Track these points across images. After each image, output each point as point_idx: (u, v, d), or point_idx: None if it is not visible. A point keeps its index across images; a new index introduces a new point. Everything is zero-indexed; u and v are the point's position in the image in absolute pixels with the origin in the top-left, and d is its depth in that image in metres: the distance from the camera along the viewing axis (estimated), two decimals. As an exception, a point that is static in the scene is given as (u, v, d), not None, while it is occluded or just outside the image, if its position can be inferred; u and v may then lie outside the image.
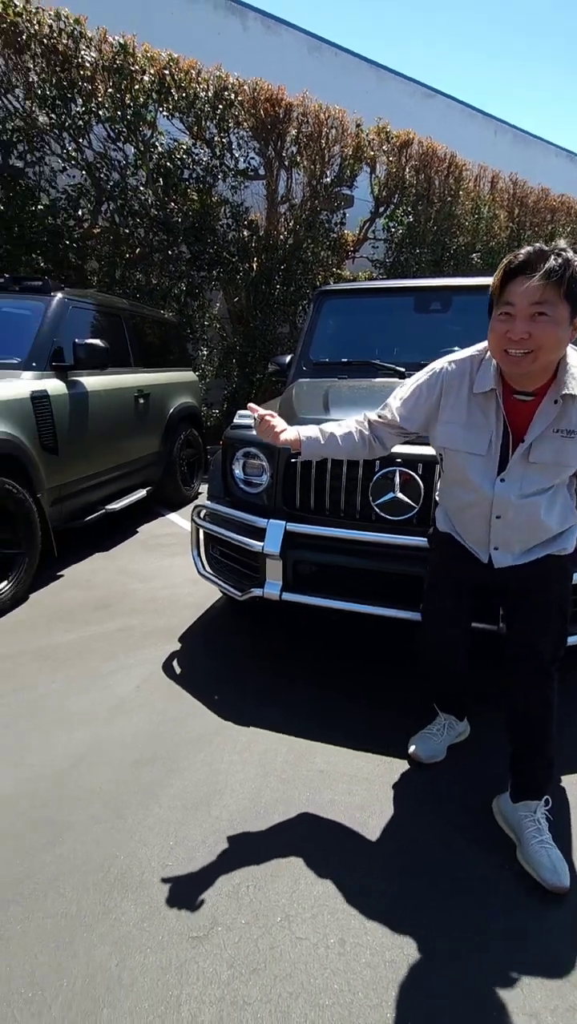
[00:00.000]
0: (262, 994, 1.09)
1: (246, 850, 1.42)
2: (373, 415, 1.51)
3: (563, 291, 1.12)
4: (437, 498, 1.66)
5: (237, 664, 2.32)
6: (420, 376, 1.45)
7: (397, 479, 1.89)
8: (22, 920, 1.22)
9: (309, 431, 1.50)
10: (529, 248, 1.16)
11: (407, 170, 7.72)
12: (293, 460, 2.02)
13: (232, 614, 2.81)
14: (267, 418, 1.48)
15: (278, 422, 1.48)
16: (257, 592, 2.07)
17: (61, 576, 3.20)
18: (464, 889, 1.33)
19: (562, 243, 1.16)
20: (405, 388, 1.47)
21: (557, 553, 1.41)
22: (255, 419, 1.50)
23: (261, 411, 1.50)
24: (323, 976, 1.13)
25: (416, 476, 1.87)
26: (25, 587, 2.85)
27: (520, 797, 1.46)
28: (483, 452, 1.35)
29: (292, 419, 2.17)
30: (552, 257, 1.11)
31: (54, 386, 3.12)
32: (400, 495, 1.90)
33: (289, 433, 1.48)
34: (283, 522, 2.01)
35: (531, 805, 1.43)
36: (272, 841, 1.45)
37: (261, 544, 2.01)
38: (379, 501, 1.93)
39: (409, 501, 1.89)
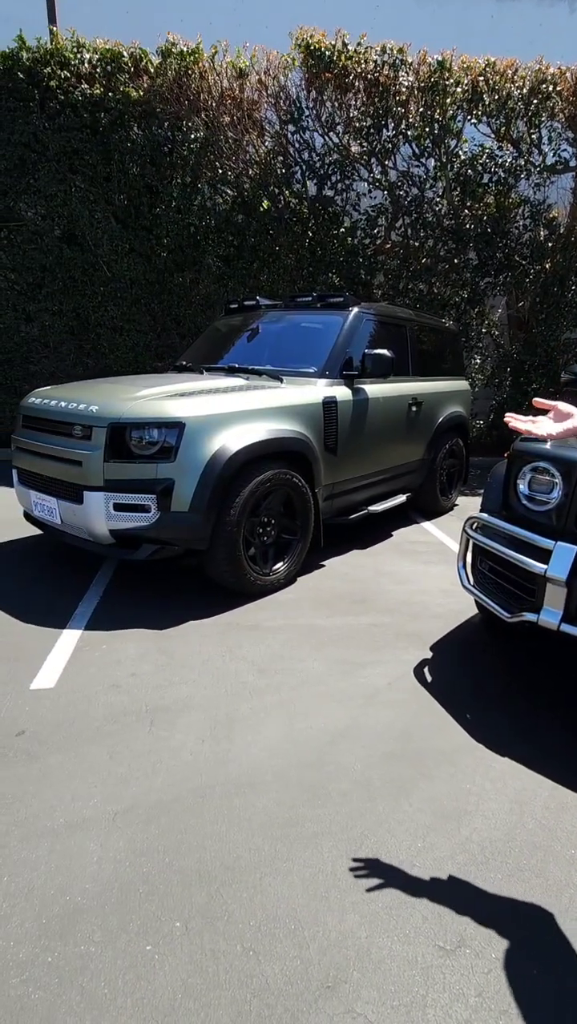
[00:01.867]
0: (513, 1041, 1.03)
1: (497, 884, 1.34)
2: None
3: None
4: None
5: (490, 686, 2.21)
6: None
7: None
8: (287, 859, 1.39)
9: None
10: None
11: None
12: (541, 458, 1.76)
13: (488, 632, 2.67)
14: (559, 409, 1.23)
15: (570, 409, 1.23)
16: (530, 617, 1.93)
17: (323, 566, 3.50)
18: None
19: None
20: None
21: None
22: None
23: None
24: (587, 1060, 1.00)
25: None
26: (295, 571, 3.20)
27: None
28: None
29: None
30: None
31: (342, 392, 3.41)
32: None
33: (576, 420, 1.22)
34: (574, 547, 1.83)
35: None
36: (528, 887, 1.34)
37: (544, 567, 1.86)
38: None
39: None
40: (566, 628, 1.84)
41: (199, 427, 2.69)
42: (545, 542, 1.91)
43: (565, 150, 6.18)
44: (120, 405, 2.73)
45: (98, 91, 5.65)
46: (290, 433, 3.02)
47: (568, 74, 5.75)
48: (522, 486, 2.12)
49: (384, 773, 1.71)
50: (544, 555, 1.89)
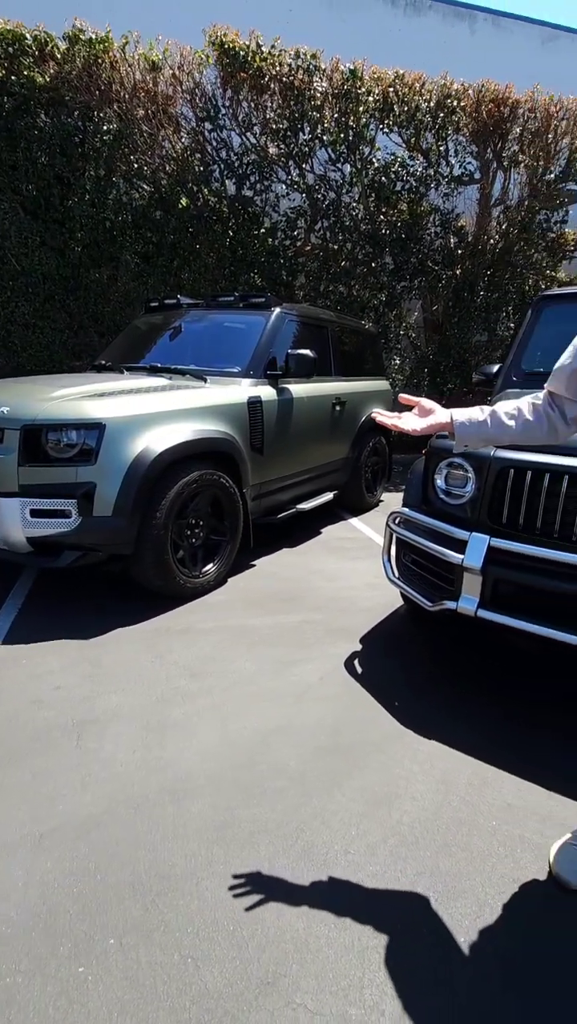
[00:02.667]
0: (443, 1003, 1.08)
1: (427, 861, 1.41)
2: (549, 384, 1.27)
3: None
4: None
5: (417, 674, 2.31)
6: None
7: (628, 503, 1.70)
8: (225, 862, 1.38)
9: (468, 412, 1.27)
10: None
11: None
12: (456, 453, 1.86)
13: (414, 623, 2.79)
14: (422, 404, 1.26)
15: (432, 405, 1.27)
16: (450, 605, 2.03)
17: (254, 566, 3.50)
18: None
19: None
20: None
21: None
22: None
23: (412, 400, 1.30)
24: (499, 1011, 1.07)
25: None
26: (226, 572, 3.18)
27: None
28: None
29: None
30: None
31: (267, 392, 3.43)
32: (630, 521, 1.71)
33: (439, 416, 1.25)
34: (487, 536, 1.94)
35: None
36: (454, 861, 1.42)
37: (461, 557, 1.96)
38: (602, 526, 1.75)
39: None
40: (483, 613, 1.95)
41: (121, 428, 2.61)
42: (461, 533, 2.02)
43: (470, 163, 6.55)
44: (35, 406, 2.60)
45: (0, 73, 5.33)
46: (216, 433, 3.00)
47: (470, 91, 6.09)
48: (439, 481, 2.23)
49: (317, 767, 1.74)
50: (461, 546, 2.00)
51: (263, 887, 1.32)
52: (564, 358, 1.24)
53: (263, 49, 5.57)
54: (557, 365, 1.25)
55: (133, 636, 2.53)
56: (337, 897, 1.30)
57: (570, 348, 1.23)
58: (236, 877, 1.34)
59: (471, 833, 1.50)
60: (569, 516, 1.83)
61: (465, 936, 1.22)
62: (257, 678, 2.24)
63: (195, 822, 1.50)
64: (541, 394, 1.29)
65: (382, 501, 5.28)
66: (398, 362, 7.41)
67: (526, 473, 1.90)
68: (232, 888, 1.31)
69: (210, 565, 3.08)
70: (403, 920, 1.25)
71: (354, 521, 4.68)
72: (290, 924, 1.23)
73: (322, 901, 1.29)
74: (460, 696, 2.15)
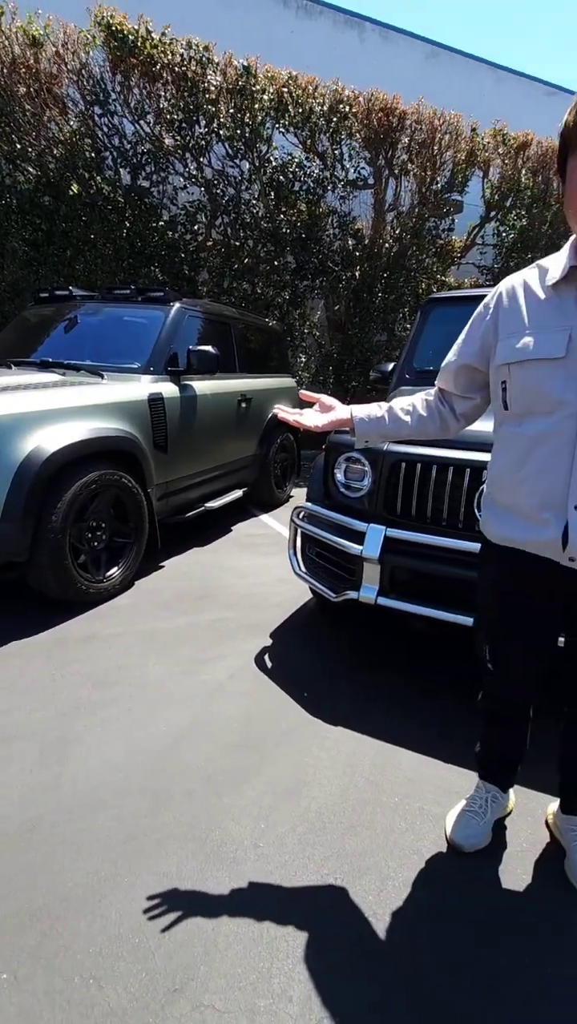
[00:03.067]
0: (349, 982, 1.12)
1: (334, 844, 1.45)
2: (438, 381, 1.33)
3: None
4: (485, 487, 1.31)
5: (326, 664, 2.37)
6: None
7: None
8: (129, 874, 1.34)
9: (367, 408, 1.30)
10: None
11: (523, 172, 7.42)
12: (353, 449, 1.98)
13: (322, 615, 2.86)
14: (323, 401, 1.29)
15: (333, 402, 1.30)
16: (352, 595, 2.10)
17: (163, 567, 3.42)
18: (540, 906, 1.28)
19: None
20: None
21: None
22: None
23: (312, 397, 1.32)
24: (401, 976, 1.14)
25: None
26: (132, 574, 3.08)
27: (568, 811, 1.42)
28: (561, 353, 1.03)
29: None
30: None
31: (168, 389, 3.35)
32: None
33: (339, 412, 1.28)
34: (383, 527, 2.03)
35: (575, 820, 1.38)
36: (359, 840, 1.47)
37: (360, 548, 2.04)
38: (484, 512, 1.89)
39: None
40: (382, 601, 2.04)
41: (7, 427, 2.43)
42: (360, 525, 2.09)
43: (364, 168, 6.79)
44: None
45: None
46: (115, 432, 2.89)
47: (361, 98, 6.31)
48: (339, 475, 2.30)
49: (227, 765, 1.73)
50: (360, 537, 2.07)
51: (171, 894, 1.29)
52: (450, 356, 1.31)
53: (153, 36, 5.42)
54: (444, 363, 1.32)
55: (32, 648, 2.38)
56: (247, 892, 1.31)
57: (455, 346, 1.30)
58: (142, 888, 1.30)
59: (375, 811, 1.57)
60: (454, 504, 1.95)
61: (369, 910, 1.27)
62: (166, 682, 2.19)
63: (98, 838, 1.44)
64: (433, 391, 1.35)
65: (292, 496, 5.36)
66: (304, 360, 7.54)
67: (416, 466, 2.01)
68: (138, 900, 1.28)
69: (114, 569, 2.97)
70: (311, 905, 1.28)
71: (265, 517, 4.71)
72: (198, 927, 1.22)
73: (232, 898, 1.29)
74: (366, 681, 2.23)
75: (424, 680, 2.25)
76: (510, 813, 1.57)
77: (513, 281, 1.17)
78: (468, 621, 1.88)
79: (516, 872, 1.39)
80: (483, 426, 2.11)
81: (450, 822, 1.50)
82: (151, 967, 1.13)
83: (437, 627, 1.97)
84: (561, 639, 1.29)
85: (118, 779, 1.65)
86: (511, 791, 1.58)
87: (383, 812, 1.57)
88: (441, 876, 1.38)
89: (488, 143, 7.10)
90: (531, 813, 1.58)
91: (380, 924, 1.24)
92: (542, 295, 1.09)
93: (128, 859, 1.38)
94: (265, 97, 5.85)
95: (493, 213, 7.66)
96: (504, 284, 1.19)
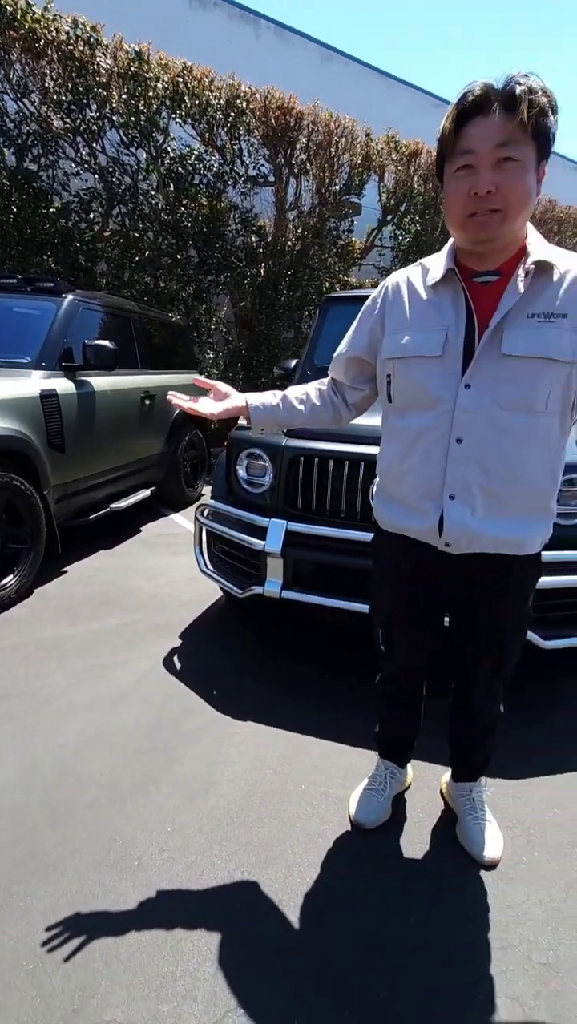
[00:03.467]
0: (255, 973, 1.13)
1: (242, 838, 1.46)
2: (330, 371, 1.36)
3: (530, 128, 0.92)
4: (377, 479, 1.33)
5: (236, 660, 2.37)
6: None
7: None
8: (25, 897, 1.27)
9: (261, 396, 1.31)
10: (486, 80, 0.93)
11: (415, 179, 7.79)
12: (252, 439, 2.02)
13: (232, 612, 2.85)
14: (218, 388, 1.27)
15: (228, 389, 1.28)
16: (257, 590, 2.12)
17: (65, 572, 3.25)
18: (439, 873, 1.37)
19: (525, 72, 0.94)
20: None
21: (521, 552, 1.14)
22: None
23: (208, 383, 1.31)
24: (310, 960, 1.17)
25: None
26: (29, 582, 2.90)
27: (458, 779, 1.53)
28: (438, 352, 1.07)
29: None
30: (516, 85, 0.91)
31: (63, 386, 3.18)
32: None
33: (235, 400, 1.26)
34: (284, 521, 2.06)
35: (467, 786, 1.50)
36: (267, 830, 1.49)
37: (263, 543, 2.06)
38: (379, 503, 1.97)
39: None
40: (286, 594, 2.07)
41: None
42: (262, 520, 2.11)
43: (263, 165, 6.82)
44: None
45: None
46: (3, 431, 2.70)
47: (257, 95, 6.32)
48: (241, 471, 2.30)
49: (134, 771, 1.69)
50: (263, 532, 2.09)
51: (71, 911, 1.24)
52: (340, 347, 1.33)
53: (35, 9, 5.09)
54: (336, 353, 1.34)
55: None
56: (152, 899, 1.28)
57: (345, 338, 1.33)
58: (39, 911, 1.24)
59: (283, 801, 1.60)
60: (351, 497, 2.02)
61: (276, 897, 1.30)
62: (68, 692, 2.09)
63: (-10, 864, 1.35)
64: (327, 381, 1.37)
65: (204, 495, 5.28)
66: (212, 356, 7.46)
67: (313, 460, 2.05)
68: (35, 924, 1.21)
69: (9, 576, 2.78)
70: (217, 902, 1.28)
71: (176, 516, 4.62)
72: (99, 941, 1.18)
73: (136, 907, 1.26)
74: (275, 674, 2.26)
75: (332, 669, 2.32)
76: (409, 787, 1.66)
77: (398, 278, 1.21)
78: (367, 608, 1.97)
79: (415, 843, 1.48)
80: (376, 420, 2.21)
81: (353, 803, 1.56)
82: (47, 991, 1.08)
83: (345, 617, 2.03)
84: (446, 619, 1.38)
85: (14, 799, 1.55)
86: (408, 766, 1.67)
87: (291, 801, 1.60)
88: (346, 856, 1.43)
89: (382, 149, 7.38)
90: (427, 784, 1.68)
91: (288, 911, 1.27)
92: (424, 294, 1.13)
93: (24, 881, 1.31)
94: (160, 85, 5.69)
95: (390, 217, 7.98)
96: (391, 280, 1.23)
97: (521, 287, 1.01)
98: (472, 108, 0.94)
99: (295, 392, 1.34)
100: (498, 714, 1.42)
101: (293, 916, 1.26)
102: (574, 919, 1.27)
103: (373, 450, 1.98)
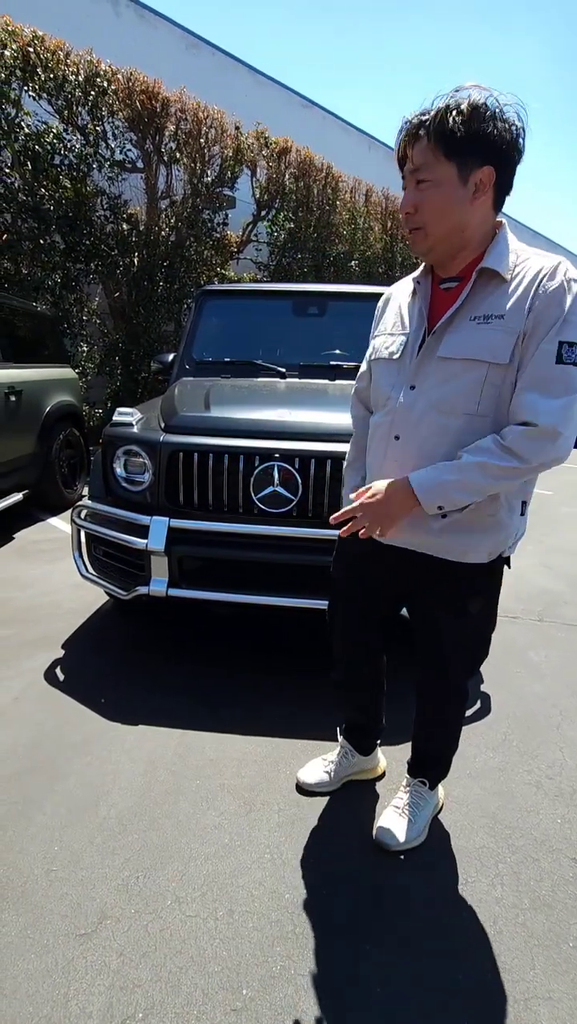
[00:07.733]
0: (152, 974, 1.12)
1: (135, 844, 1.43)
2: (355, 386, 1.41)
3: (441, 149, 0.97)
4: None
5: (124, 666, 2.29)
6: None
7: (276, 474, 1.99)
8: None
9: (359, 458, 1.34)
10: (414, 110, 1.01)
11: (287, 176, 7.95)
12: (130, 442, 2.09)
13: (119, 616, 2.75)
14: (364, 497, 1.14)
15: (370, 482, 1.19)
16: (143, 590, 2.06)
17: None
18: (342, 856, 1.45)
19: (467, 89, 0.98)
20: None
21: (457, 558, 1.15)
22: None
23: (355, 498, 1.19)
24: (212, 946, 1.18)
25: (294, 471, 1.98)
26: None
27: (408, 770, 1.55)
28: (397, 353, 1.15)
29: (174, 416, 2.20)
30: (420, 116, 0.99)
31: None
32: (279, 488, 2.00)
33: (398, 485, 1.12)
34: (166, 518, 2.02)
35: (410, 781, 1.53)
36: (162, 832, 1.47)
37: (145, 542, 2.00)
38: (260, 495, 2.01)
39: (288, 494, 2.00)
40: (173, 592, 2.04)
41: None
42: (143, 519, 2.05)
43: (130, 150, 6.55)
44: None
45: None
46: None
47: (120, 75, 6.05)
48: (119, 469, 2.22)
49: (12, 796, 1.57)
50: (144, 531, 2.04)
51: (-56, 957, 1.14)
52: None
53: None
54: (360, 371, 1.35)
55: None
56: (38, 924, 1.21)
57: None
58: None
59: (177, 800, 1.58)
60: (233, 490, 2.03)
61: (172, 898, 1.29)
62: None
63: None
64: (352, 399, 1.40)
65: (84, 496, 5.01)
66: (86, 349, 7.06)
67: (193, 455, 2.04)
68: None
69: None
70: (109, 913, 1.24)
71: (54, 520, 4.34)
72: (-20, 981, 1.09)
73: (20, 937, 1.18)
74: (166, 675, 2.22)
75: (223, 663, 2.32)
76: (381, 777, 1.69)
77: (396, 285, 1.30)
78: (256, 600, 2.00)
79: (323, 831, 1.54)
80: (251, 413, 2.23)
81: (303, 771, 1.65)
82: None
83: (241, 609, 2.04)
84: (404, 610, 1.42)
85: None
86: (378, 756, 1.69)
87: (186, 798, 1.59)
88: (243, 847, 1.45)
89: (252, 144, 7.43)
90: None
91: (184, 909, 1.26)
92: (405, 300, 1.22)
93: None
94: (7, 53, 5.23)
95: (264, 212, 8.08)
96: (389, 289, 1.32)
97: (465, 292, 1.06)
98: (403, 138, 1.03)
99: (358, 428, 1.39)
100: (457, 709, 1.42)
101: (186, 915, 1.25)
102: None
103: (252, 443, 2.03)
